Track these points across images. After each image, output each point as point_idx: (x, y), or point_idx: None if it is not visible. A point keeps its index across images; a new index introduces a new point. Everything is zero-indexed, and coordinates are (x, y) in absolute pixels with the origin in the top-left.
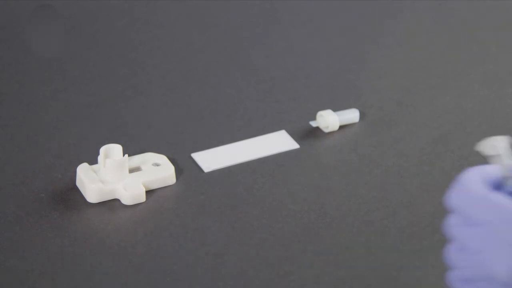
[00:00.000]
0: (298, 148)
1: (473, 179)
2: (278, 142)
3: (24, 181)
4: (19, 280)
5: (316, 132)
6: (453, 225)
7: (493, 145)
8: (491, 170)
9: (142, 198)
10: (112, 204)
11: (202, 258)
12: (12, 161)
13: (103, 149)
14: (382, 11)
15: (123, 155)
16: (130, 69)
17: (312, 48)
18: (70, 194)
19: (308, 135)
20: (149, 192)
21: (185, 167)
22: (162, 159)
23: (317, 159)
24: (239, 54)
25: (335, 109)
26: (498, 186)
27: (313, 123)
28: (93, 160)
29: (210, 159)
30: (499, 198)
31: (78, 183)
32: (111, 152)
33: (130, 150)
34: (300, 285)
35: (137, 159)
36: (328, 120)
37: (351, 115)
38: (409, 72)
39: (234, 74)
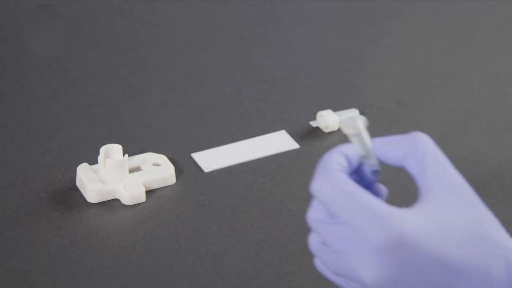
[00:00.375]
0: (298, 148)
1: (335, 166)
2: (278, 142)
3: (24, 181)
4: (19, 280)
5: (316, 132)
6: (315, 220)
7: (352, 124)
8: (353, 150)
9: (142, 198)
10: (112, 204)
11: (202, 258)
12: (12, 161)
13: (103, 149)
14: (382, 11)
15: (123, 155)
16: (130, 69)
17: (312, 48)
18: (70, 194)
19: (308, 135)
20: (149, 192)
21: (185, 167)
22: (162, 159)
23: (317, 159)
24: (239, 54)
25: (335, 109)
26: (359, 166)
27: (313, 123)
28: (93, 160)
29: (210, 159)
30: (366, 198)
31: (78, 183)
32: (111, 152)
33: (130, 150)
34: (300, 285)
35: (137, 159)
36: (328, 120)
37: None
38: (409, 72)
39: (234, 74)
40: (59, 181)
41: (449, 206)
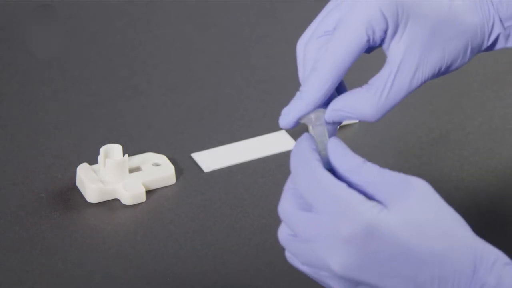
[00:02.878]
0: None
1: (310, 154)
2: (278, 142)
3: (24, 181)
4: (19, 280)
5: None
6: (285, 210)
7: (311, 116)
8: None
9: (142, 198)
10: (112, 204)
11: (202, 258)
12: (12, 161)
13: (103, 149)
14: None
15: (123, 155)
16: (130, 69)
17: None
18: (70, 194)
19: None
20: (149, 192)
21: (185, 167)
22: (162, 159)
23: None
24: (239, 54)
25: None
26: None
27: None
28: (93, 160)
29: (210, 159)
30: (339, 188)
31: (78, 183)
32: (111, 152)
33: (130, 150)
34: (300, 285)
35: (137, 159)
36: None
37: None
38: None
39: (234, 74)
40: (59, 181)
41: (414, 203)
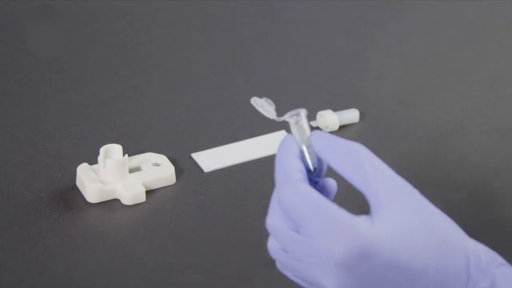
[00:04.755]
0: None
1: (295, 174)
2: (278, 142)
3: (24, 181)
4: (19, 280)
5: None
6: (275, 227)
7: (296, 113)
8: (298, 149)
9: (142, 198)
10: (112, 204)
11: (202, 258)
12: (12, 161)
13: (103, 149)
14: (382, 11)
15: (123, 155)
16: (130, 69)
17: (312, 48)
18: (70, 194)
19: None
20: (149, 192)
21: (185, 167)
22: (162, 159)
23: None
24: (239, 54)
25: (335, 109)
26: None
27: (313, 123)
28: (93, 160)
29: (210, 159)
30: (327, 209)
31: (78, 183)
32: (111, 152)
33: (130, 150)
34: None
35: (137, 159)
36: (328, 120)
37: (351, 115)
38: (409, 72)
39: (234, 74)
40: (59, 181)
41: (403, 212)
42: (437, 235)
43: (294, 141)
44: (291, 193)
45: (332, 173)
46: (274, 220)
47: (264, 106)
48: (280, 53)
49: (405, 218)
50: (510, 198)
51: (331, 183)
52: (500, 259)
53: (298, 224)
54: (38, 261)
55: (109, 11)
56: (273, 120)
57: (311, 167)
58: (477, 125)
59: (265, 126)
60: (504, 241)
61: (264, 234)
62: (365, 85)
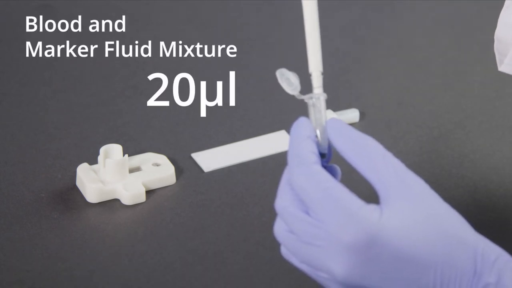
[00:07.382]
0: None
1: (310, 157)
2: (278, 142)
3: (24, 181)
4: (19, 280)
5: None
6: (285, 208)
7: (314, 99)
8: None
9: (142, 198)
10: (112, 204)
11: (202, 258)
12: (12, 161)
13: (103, 149)
14: (382, 11)
15: (123, 155)
16: (130, 69)
17: None
18: (70, 194)
19: None
20: (149, 192)
21: (185, 167)
22: (162, 159)
23: None
24: (239, 54)
25: (335, 109)
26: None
27: None
28: (93, 160)
29: (210, 159)
30: (340, 194)
31: (78, 183)
32: (111, 152)
33: (130, 150)
34: (300, 284)
35: (137, 159)
36: None
37: (351, 115)
38: (409, 72)
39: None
40: (59, 181)
41: (412, 205)
42: (445, 229)
43: (310, 124)
44: (305, 175)
45: (335, 161)
46: (284, 201)
47: (291, 78)
48: (280, 53)
49: (414, 211)
50: (511, 196)
51: (336, 170)
52: (507, 255)
53: (308, 207)
54: (38, 261)
55: (109, 11)
56: (273, 120)
57: (323, 151)
58: (477, 124)
59: (265, 126)
60: (504, 239)
61: (264, 234)
62: (365, 85)
